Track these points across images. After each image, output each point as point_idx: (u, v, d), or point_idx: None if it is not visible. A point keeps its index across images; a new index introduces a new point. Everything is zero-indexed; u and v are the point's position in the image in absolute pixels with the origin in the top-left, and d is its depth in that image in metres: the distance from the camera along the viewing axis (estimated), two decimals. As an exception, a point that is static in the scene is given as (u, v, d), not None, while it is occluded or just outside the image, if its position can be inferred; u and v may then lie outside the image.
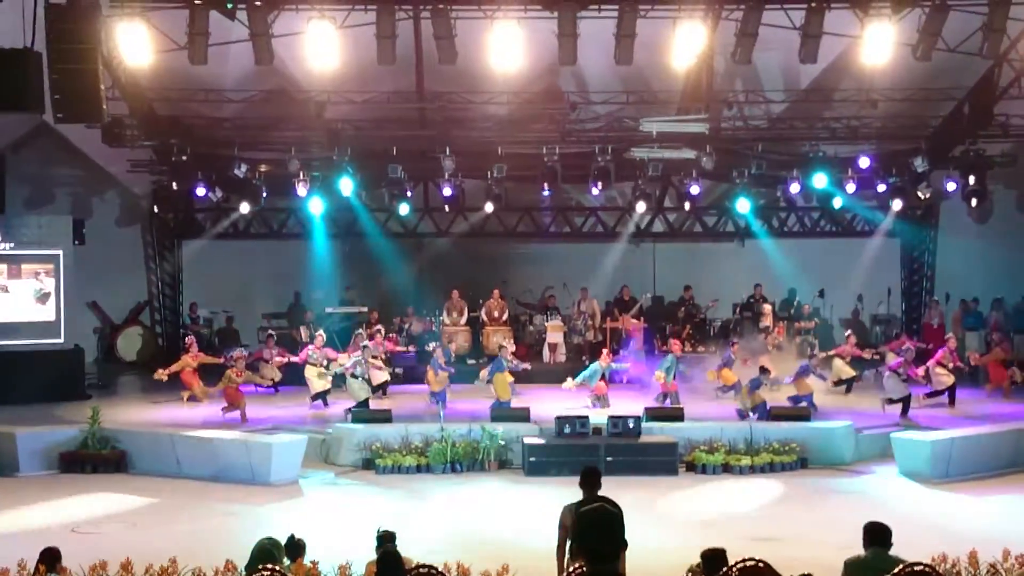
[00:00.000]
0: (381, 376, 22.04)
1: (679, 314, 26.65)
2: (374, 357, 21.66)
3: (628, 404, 20.54)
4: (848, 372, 22.44)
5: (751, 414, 19.43)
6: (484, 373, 21.28)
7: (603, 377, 21.40)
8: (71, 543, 12.31)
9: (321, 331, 22.74)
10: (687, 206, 26.54)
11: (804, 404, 20.00)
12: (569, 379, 21.65)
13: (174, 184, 24.33)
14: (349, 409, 19.90)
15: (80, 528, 14.06)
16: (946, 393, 21.26)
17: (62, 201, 25.79)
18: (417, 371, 23.31)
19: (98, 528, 14.11)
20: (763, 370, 20.36)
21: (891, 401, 20.26)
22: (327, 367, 21.28)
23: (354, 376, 20.57)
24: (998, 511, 14.88)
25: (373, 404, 20.56)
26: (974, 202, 25.01)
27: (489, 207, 25.23)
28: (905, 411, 20.11)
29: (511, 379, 20.79)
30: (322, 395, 21.31)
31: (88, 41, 16.60)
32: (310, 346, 21.85)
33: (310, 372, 21.32)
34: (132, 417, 19.94)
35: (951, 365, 21.18)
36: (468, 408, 20.42)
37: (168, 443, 17.75)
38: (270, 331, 24.48)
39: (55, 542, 9.62)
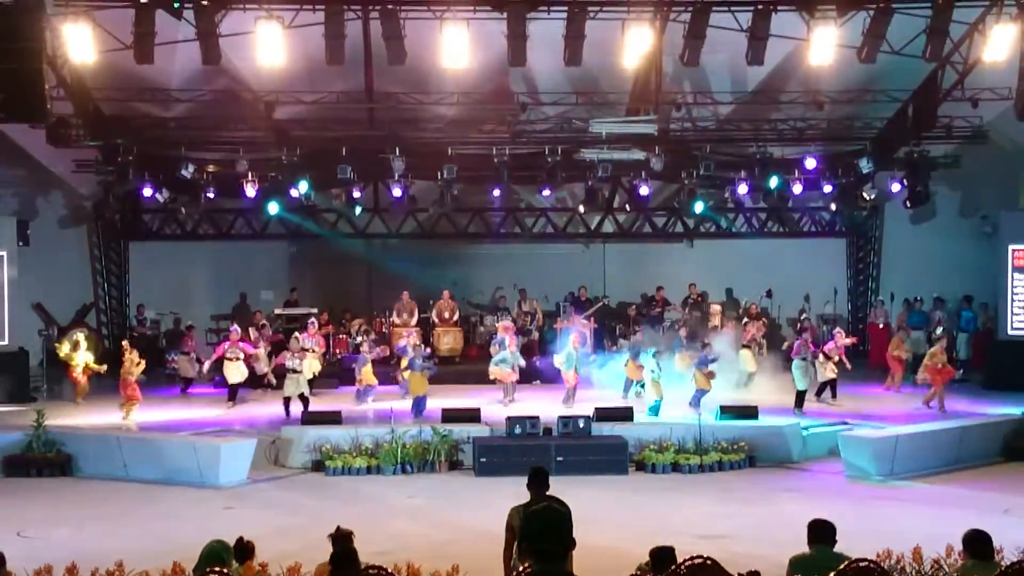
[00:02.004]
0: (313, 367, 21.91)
1: (630, 313, 26.71)
2: (304, 349, 21.46)
3: (537, 403, 20.72)
4: (752, 365, 22.58)
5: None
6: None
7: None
8: (16, 547, 12.17)
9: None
10: (627, 207, 26.64)
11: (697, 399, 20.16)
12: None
13: (120, 184, 24.08)
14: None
15: (26, 532, 13.88)
16: (828, 388, 21.50)
17: (6, 202, 25.41)
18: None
19: (44, 532, 13.92)
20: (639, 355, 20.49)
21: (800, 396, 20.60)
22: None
23: (294, 371, 20.34)
24: (942, 508, 15.06)
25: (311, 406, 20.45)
26: (918, 203, 25.34)
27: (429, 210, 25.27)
28: (800, 404, 20.45)
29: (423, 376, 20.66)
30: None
31: (32, 40, 16.46)
32: (226, 344, 21.73)
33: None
34: (77, 420, 19.70)
35: (836, 357, 21.29)
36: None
37: (114, 446, 17.57)
38: (190, 323, 24.23)
39: (0, 546, 9.51)
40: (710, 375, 20.37)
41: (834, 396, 21.48)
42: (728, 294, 27.62)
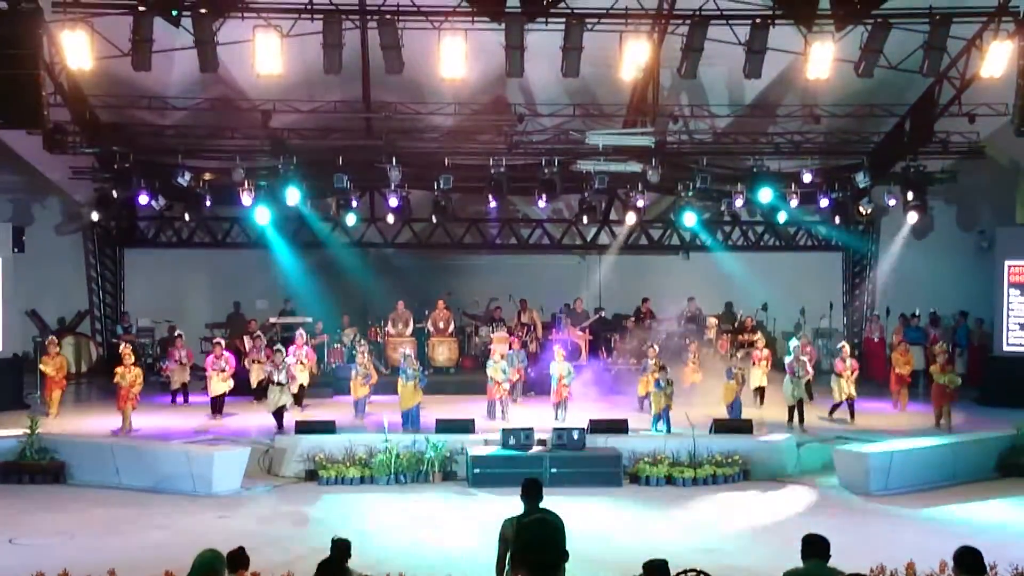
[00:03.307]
0: (300, 378, 21.83)
1: (627, 325, 26.68)
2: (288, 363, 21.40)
3: (532, 415, 20.70)
4: (762, 381, 22.49)
5: (658, 422, 19.70)
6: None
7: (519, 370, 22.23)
8: (8, 555, 12.16)
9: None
10: (632, 218, 26.57)
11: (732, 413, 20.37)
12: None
13: (116, 192, 24.09)
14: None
15: (18, 539, 13.82)
16: (844, 405, 21.24)
17: (1, 208, 25.42)
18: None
19: (36, 539, 13.86)
20: (662, 368, 20.30)
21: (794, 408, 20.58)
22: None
23: (276, 383, 20.25)
24: (936, 524, 15.05)
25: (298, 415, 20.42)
26: (914, 217, 25.36)
27: (433, 218, 25.07)
28: (800, 419, 20.40)
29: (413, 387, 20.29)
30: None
31: (29, 47, 16.47)
32: (210, 358, 21.54)
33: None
34: (71, 427, 19.66)
35: (850, 373, 21.10)
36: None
37: (108, 453, 17.51)
38: (179, 332, 24.17)
39: (-10, 554, 9.49)
40: (731, 387, 20.71)
41: (852, 416, 21.17)
42: (728, 307, 27.57)
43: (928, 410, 21.42)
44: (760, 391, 22.28)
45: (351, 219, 25.51)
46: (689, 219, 25.52)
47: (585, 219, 26.35)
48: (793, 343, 22.07)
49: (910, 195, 24.78)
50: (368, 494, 16.83)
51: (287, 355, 21.03)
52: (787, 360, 21.20)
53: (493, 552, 9.00)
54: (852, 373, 21.06)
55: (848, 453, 17.73)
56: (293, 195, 23.78)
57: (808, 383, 21.34)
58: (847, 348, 21.86)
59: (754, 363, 22.08)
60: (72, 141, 22.79)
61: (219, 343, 21.99)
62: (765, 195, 24.64)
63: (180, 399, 22.99)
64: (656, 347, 21.70)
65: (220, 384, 21.23)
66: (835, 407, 21.31)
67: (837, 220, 26.88)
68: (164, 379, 23.61)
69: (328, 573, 8.25)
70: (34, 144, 22.48)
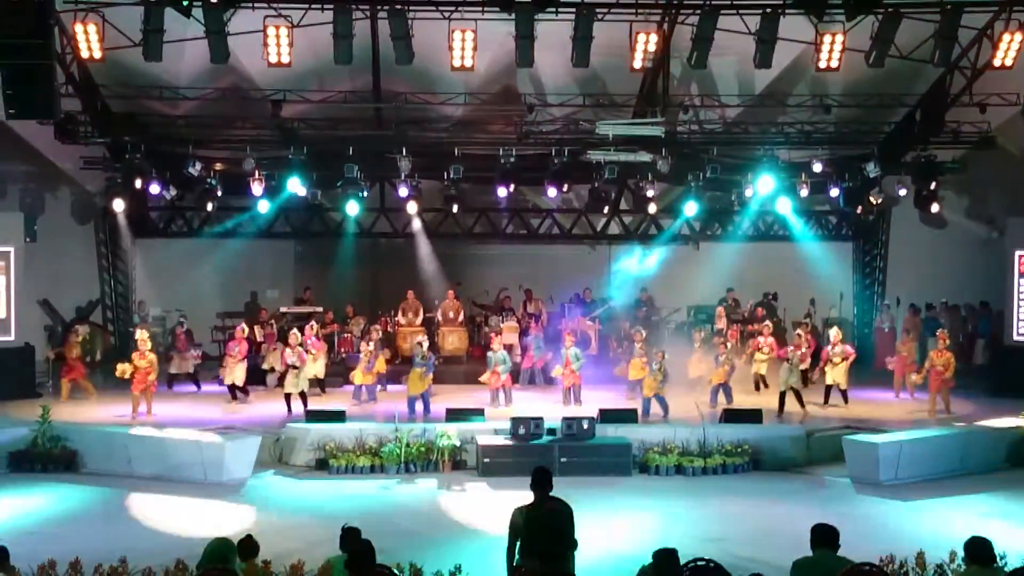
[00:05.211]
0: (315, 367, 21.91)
1: (638, 315, 26.65)
2: (301, 346, 21.44)
3: (541, 404, 20.71)
4: (763, 368, 22.52)
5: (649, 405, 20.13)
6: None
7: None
8: (20, 543, 12.20)
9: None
10: (651, 208, 26.53)
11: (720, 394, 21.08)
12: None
13: (140, 180, 24.08)
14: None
15: (29, 527, 13.89)
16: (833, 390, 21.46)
17: (13, 198, 25.44)
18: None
19: (48, 527, 13.95)
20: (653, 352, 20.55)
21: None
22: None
23: (294, 367, 20.43)
24: (945, 513, 15.05)
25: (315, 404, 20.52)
26: (929, 207, 25.29)
27: (454, 208, 25.13)
28: (796, 404, 20.71)
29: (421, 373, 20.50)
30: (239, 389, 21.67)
31: (41, 37, 16.49)
32: (231, 343, 21.86)
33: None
34: (83, 416, 19.74)
35: (838, 361, 21.21)
36: (420, 408, 20.36)
37: (119, 442, 17.59)
38: (181, 319, 24.28)
39: (3, 542, 9.57)
40: (722, 372, 21.12)
41: (825, 401, 21.42)
42: (765, 297, 27.33)
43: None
44: (761, 378, 22.43)
45: (353, 208, 25.09)
46: (690, 208, 25.37)
47: (606, 209, 26.29)
48: (797, 331, 22.17)
49: (922, 185, 24.71)
50: (378, 483, 16.89)
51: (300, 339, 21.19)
52: (788, 348, 21.27)
53: (503, 541, 9.05)
54: (844, 360, 21.15)
55: (858, 443, 17.70)
56: (300, 185, 23.80)
57: (804, 371, 21.48)
58: (839, 334, 21.88)
59: (759, 350, 22.17)
60: (84, 131, 22.89)
61: (242, 329, 22.14)
62: (765, 185, 24.52)
63: (191, 387, 23.17)
64: (643, 332, 21.93)
65: (234, 373, 21.53)
66: (843, 394, 21.43)
67: (848, 210, 26.80)
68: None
69: (358, 563, 8.23)
70: (46, 134, 22.57)
